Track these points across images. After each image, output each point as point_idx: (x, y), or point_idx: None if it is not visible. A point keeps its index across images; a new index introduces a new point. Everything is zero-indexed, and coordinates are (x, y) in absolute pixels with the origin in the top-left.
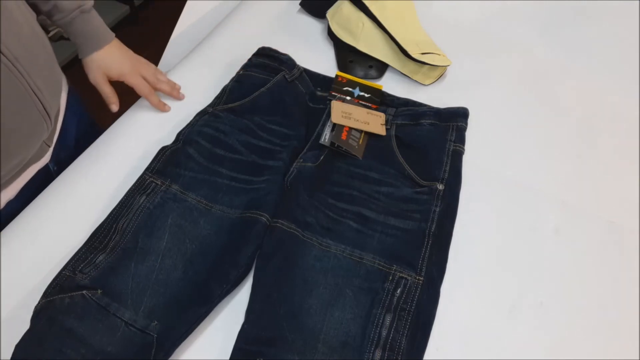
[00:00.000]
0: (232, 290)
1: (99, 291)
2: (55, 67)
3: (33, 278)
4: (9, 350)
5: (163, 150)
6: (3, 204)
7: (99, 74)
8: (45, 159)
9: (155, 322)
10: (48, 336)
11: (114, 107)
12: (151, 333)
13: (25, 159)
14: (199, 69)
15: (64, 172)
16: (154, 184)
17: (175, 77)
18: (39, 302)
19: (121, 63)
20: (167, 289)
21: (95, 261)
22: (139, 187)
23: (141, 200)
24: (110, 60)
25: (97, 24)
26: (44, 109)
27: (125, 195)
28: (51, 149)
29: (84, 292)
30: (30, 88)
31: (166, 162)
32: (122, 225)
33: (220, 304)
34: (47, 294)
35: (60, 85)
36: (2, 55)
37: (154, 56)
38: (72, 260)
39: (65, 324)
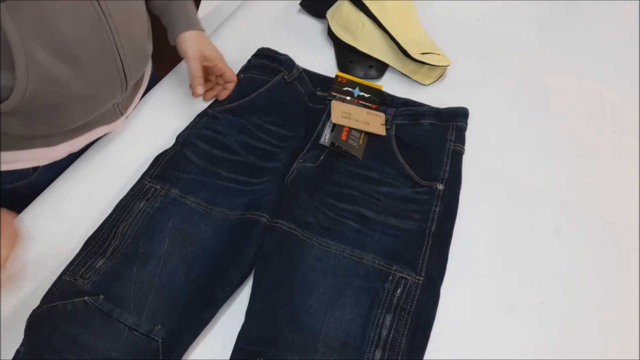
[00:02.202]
0: (234, 291)
1: (101, 297)
2: (147, 41)
3: (33, 279)
4: (8, 351)
5: (161, 156)
6: (64, 155)
7: (196, 50)
8: (116, 124)
9: (159, 326)
10: (52, 343)
11: (199, 90)
12: (155, 338)
13: (92, 114)
14: None
15: (64, 173)
16: (153, 188)
17: (176, 78)
18: (39, 307)
19: (214, 48)
20: (169, 292)
21: (95, 266)
22: (138, 192)
23: (141, 205)
24: (207, 41)
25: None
26: (123, 71)
27: (123, 200)
28: (124, 117)
29: (86, 298)
30: (114, 45)
31: (165, 166)
32: (122, 230)
33: None
34: (47, 299)
35: (146, 58)
36: (99, 6)
37: (154, 56)
38: (72, 265)
39: (69, 330)
